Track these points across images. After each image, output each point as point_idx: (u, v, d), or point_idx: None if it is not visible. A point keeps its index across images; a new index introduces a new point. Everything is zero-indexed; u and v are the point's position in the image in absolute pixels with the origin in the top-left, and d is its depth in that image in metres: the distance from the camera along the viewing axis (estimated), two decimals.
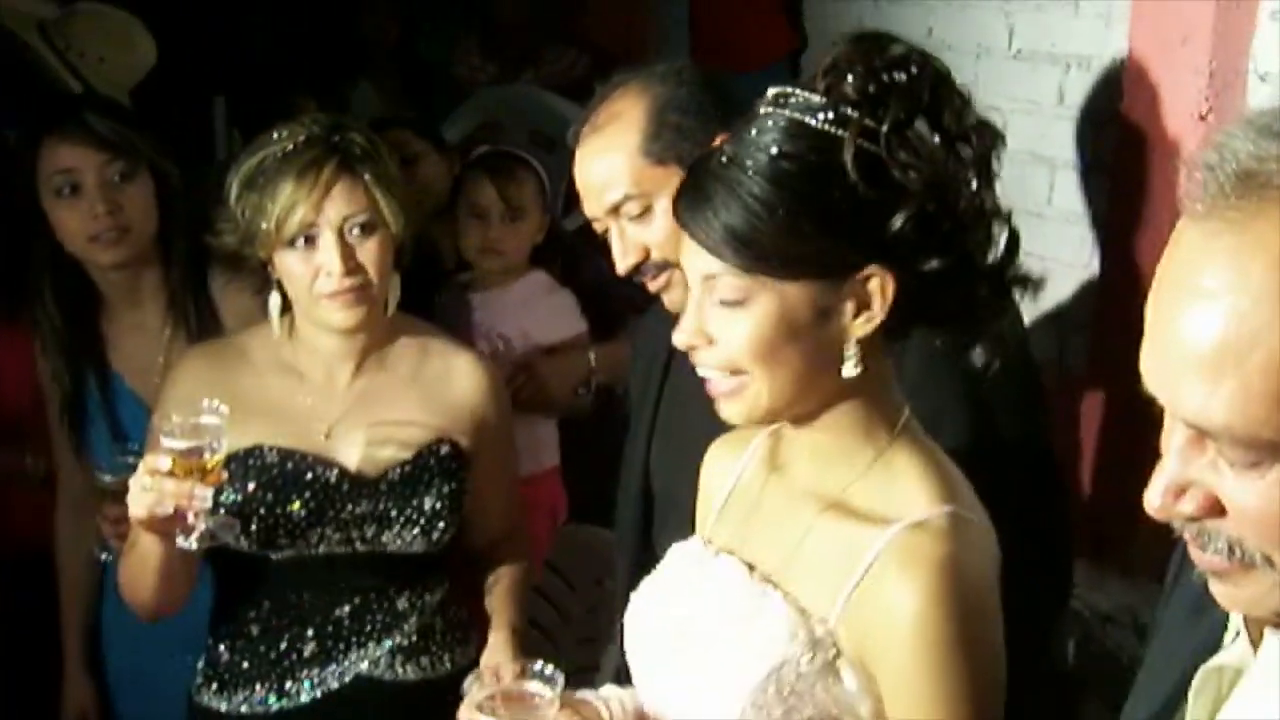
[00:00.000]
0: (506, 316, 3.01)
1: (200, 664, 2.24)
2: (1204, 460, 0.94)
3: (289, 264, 2.09)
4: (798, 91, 1.42)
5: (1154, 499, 0.97)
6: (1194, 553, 0.99)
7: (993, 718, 1.41)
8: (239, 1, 5.02)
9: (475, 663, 2.11)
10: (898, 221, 1.37)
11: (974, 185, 1.40)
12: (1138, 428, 2.61)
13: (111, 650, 2.66)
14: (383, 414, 2.19)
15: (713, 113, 1.83)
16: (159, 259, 2.56)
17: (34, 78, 3.37)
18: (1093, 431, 2.93)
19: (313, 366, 2.20)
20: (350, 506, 2.13)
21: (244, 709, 2.17)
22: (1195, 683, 1.09)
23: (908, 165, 1.38)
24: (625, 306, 2.86)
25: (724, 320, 1.43)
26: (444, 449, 2.19)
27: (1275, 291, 0.87)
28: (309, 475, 2.12)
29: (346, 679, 2.17)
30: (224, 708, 2.18)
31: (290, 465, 2.13)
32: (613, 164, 1.87)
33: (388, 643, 2.19)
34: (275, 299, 2.16)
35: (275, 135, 2.11)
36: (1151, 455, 0.99)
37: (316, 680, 2.16)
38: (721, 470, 1.68)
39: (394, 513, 2.14)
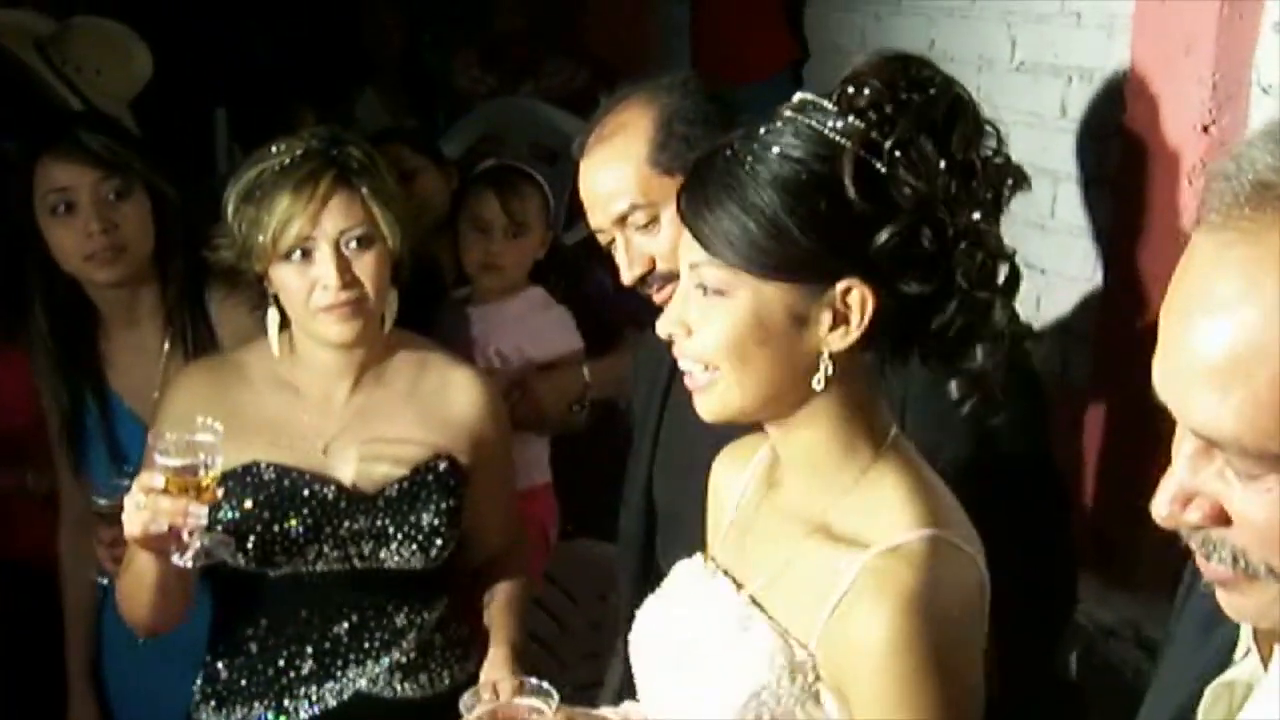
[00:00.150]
0: (504, 332, 3.00)
1: (199, 681, 2.23)
2: (1212, 470, 0.94)
3: (285, 278, 2.09)
4: (819, 100, 1.42)
5: (1161, 506, 0.97)
6: (1199, 562, 0.99)
7: None
8: (240, 11, 5.03)
9: (475, 679, 2.09)
10: (883, 236, 1.36)
11: (975, 216, 1.38)
12: (1140, 440, 2.61)
13: (111, 667, 2.65)
14: (380, 430, 2.18)
15: (718, 123, 1.83)
16: (156, 277, 2.55)
17: (32, 95, 3.36)
18: (1095, 444, 2.92)
19: (310, 383, 2.19)
20: (348, 523, 2.12)
21: None
22: (1206, 699, 1.09)
23: (904, 183, 1.37)
24: (626, 320, 2.85)
25: (703, 312, 1.43)
26: (442, 465, 2.18)
27: None
28: (306, 492, 2.11)
29: (345, 696, 2.16)
30: None
31: (287, 482, 2.12)
32: (620, 174, 1.87)
33: (386, 660, 2.17)
34: (273, 315, 2.15)
35: (273, 149, 2.11)
36: (1155, 467, 0.99)
37: (315, 698, 2.15)
38: (729, 483, 1.67)
39: (392, 529, 2.13)
